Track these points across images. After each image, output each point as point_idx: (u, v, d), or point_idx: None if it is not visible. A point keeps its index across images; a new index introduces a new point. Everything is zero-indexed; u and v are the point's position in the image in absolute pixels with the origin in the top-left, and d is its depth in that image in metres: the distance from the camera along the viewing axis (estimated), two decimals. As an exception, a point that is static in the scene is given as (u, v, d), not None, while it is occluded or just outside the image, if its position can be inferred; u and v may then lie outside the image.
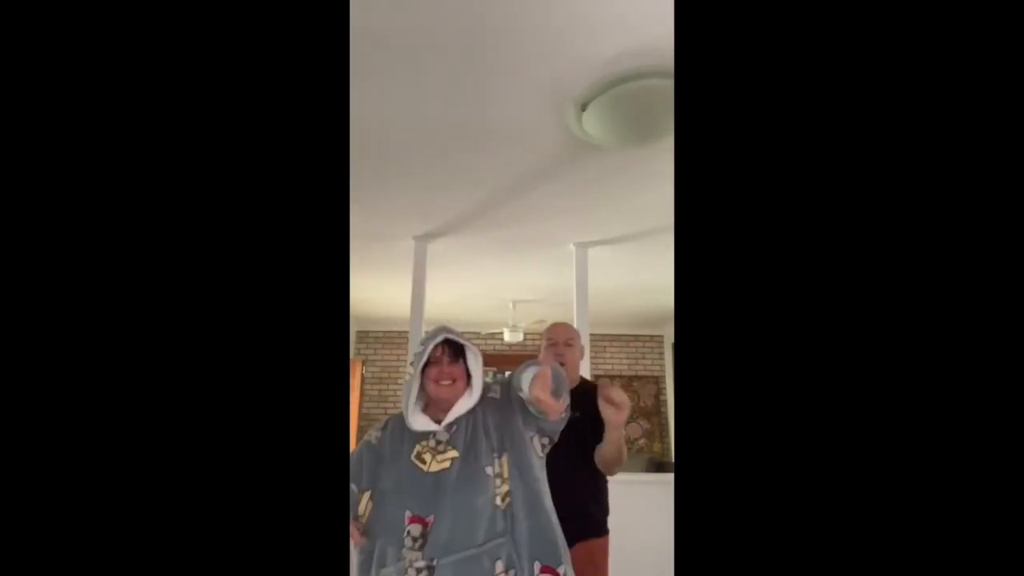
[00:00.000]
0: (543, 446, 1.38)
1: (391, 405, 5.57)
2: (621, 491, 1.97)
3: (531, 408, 1.34)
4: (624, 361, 5.90)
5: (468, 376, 1.42)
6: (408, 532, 1.24)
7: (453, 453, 1.33)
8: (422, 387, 1.39)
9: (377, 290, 4.44)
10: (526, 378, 1.33)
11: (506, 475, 1.32)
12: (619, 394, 1.52)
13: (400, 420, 1.41)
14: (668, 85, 1.77)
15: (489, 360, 4.41)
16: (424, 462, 1.33)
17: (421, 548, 1.23)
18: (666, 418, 5.69)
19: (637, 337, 5.93)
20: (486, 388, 1.44)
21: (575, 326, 3.15)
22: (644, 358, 5.94)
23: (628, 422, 1.91)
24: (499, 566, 1.23)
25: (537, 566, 1.24)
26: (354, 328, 5.73)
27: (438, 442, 1.35)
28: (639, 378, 5.83)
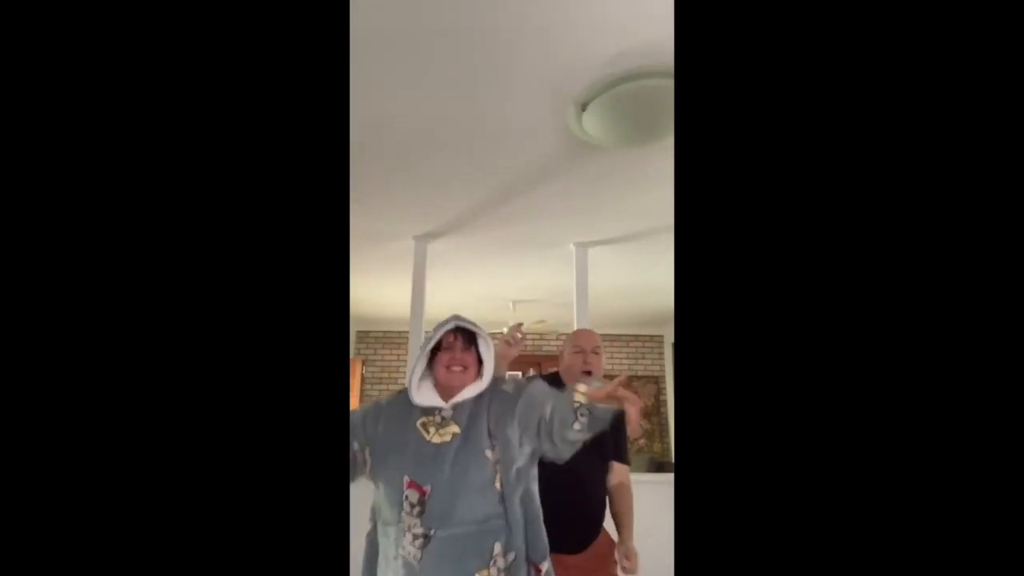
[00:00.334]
0: (532, 453, 1.35)
1: (391, 405, 5.56)
2: (621, 491, 1.97)
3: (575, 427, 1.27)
4: (624, 361, 5.90)
5: (480, 365, 1.42)
6: (406, 497, 1.25)
7: (455, 428, 1.33)
8: (432, 372, 1.40)
9: (377, 290, 4.43)
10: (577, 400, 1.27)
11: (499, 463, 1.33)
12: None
13: (405, 394, 1.41)
14: (668, 85, 1.77)
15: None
16: (427, 432, 1.34)
17: (419, 516, 1.24)
18: (666, 418, 5.69)
19: (637, 337, 5.93)
20: (500, 380, 1.45)
21: (575, 326, 3.15)
22: (644, 358, 5.94)
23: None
24: (497, 547, 1.24)
25: (524, 557, 1.27)
26: (354, 328, 5.73)
27: (443, 418, 1.36)
28: (639, 378, 5.83)
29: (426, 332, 1.47)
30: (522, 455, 1.33)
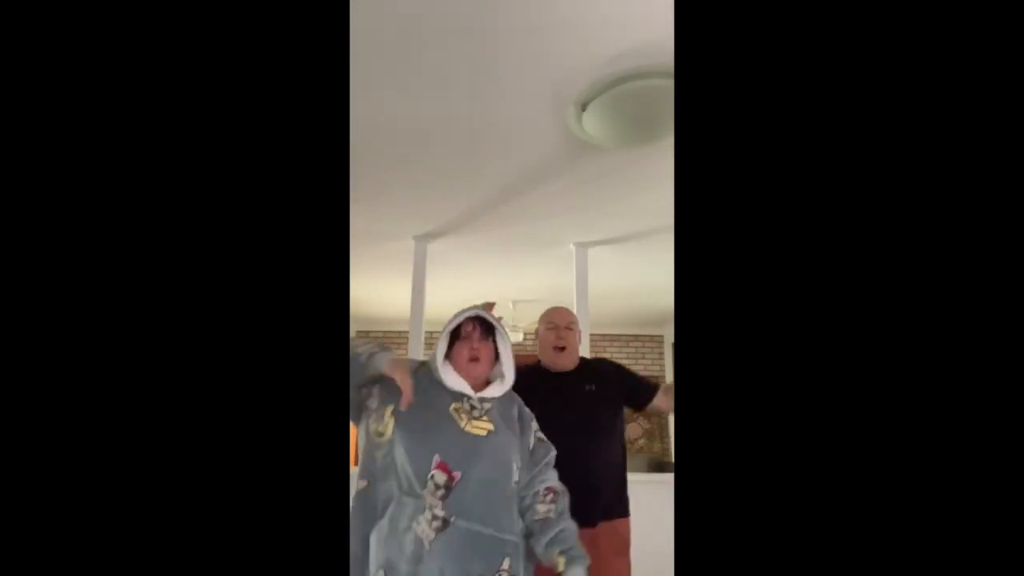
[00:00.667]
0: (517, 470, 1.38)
1: (391, 405, 5.56)
2: (621, 491, 1.97)
3: None
4: (624, 361, 5.86)
5: (496, 358, 1.43)
6: (432, 477, 1.23)
7: (488, 425, 1.33)
8: (450, 360, 1.39)
9: (377, 290, 4.43)
10: None
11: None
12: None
13: (430, 371, 1.39)
14: (668, 85, 1.77)
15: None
16: (460, 419, 1.32)
17: (442, 499, 1.22)
18: (666, 418, 5.68)
19: (637, 337, 5.92)
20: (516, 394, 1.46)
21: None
22: (644, 358, 5.94)
23: (628, 422, 1.96)
24: (506, 563, 1.24)
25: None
26: (354, 328, 5.73)
27: (472, 407, 1.34)
28: (639, 378, 5.82)
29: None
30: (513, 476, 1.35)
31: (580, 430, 1.70)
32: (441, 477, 1.24)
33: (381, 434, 1.30)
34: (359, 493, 1.30)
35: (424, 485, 1.23)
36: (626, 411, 1.97)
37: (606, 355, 5.88)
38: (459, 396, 1.35)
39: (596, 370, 1.94)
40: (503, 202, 2.79)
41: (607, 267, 3.67)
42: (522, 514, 1.35)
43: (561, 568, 1.30)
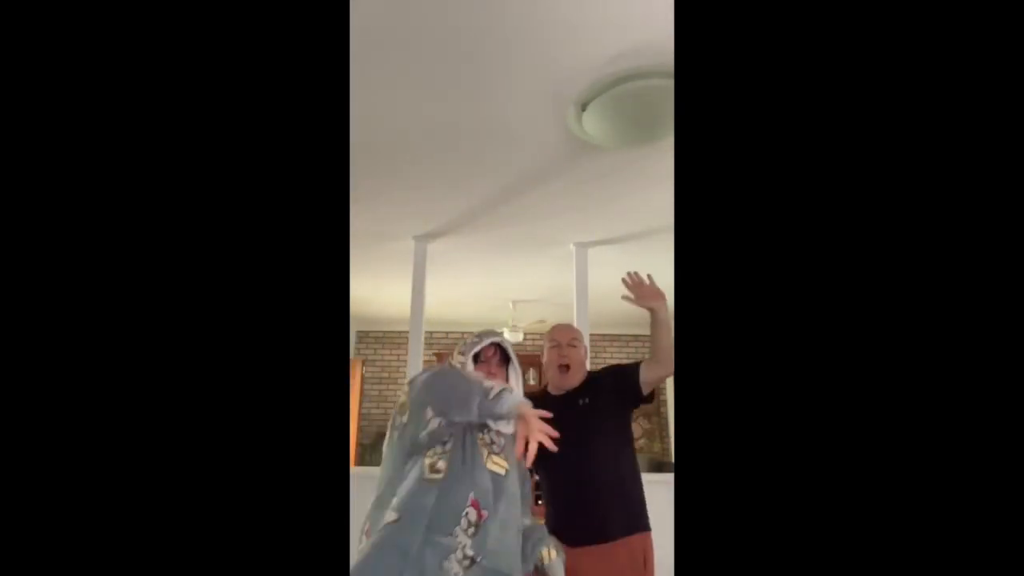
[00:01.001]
0: None
1: (391, 405, 5.56)
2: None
3: None
4: (624, 361, 5.89)
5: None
6: (466, 514, 1.20)
7: (505, 464, 1.30)
8: None
9: (377, 290, 4.43)
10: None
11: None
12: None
13: None
14: (668, 85, 1.77)
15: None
16: (483, 454, 1.29)
17: (472, 537, 1.20)
18: (666, 418, 5.68)
19: (637, 337, 5.92)
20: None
21: (575, 326, 3.15)
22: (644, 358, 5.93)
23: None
24: None
25: None
26: (354, 328, 5.73)
27: (491, 442, 1.31)
28: (639, 378, 5.81)
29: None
30: None
31: (575, 447, 1.60)
32: (474, 515, 1.21)
33: (439, 471, 1.24)
34: (388, 527, 1.20)
35: (458, 523, 1.19)
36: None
37: (606, 355, 5.89)
38: (483, 426, 1.28)
39: (593, 382, 1.88)
40: (503, 202, 2.79)
41: (607, 267, 3.67)
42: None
43: (551, 559, 1.32)
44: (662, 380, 1.81)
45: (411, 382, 1.35)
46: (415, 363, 3.17)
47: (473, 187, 2.63)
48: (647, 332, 1.89)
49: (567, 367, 1.85)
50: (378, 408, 5.59)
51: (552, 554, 1.35)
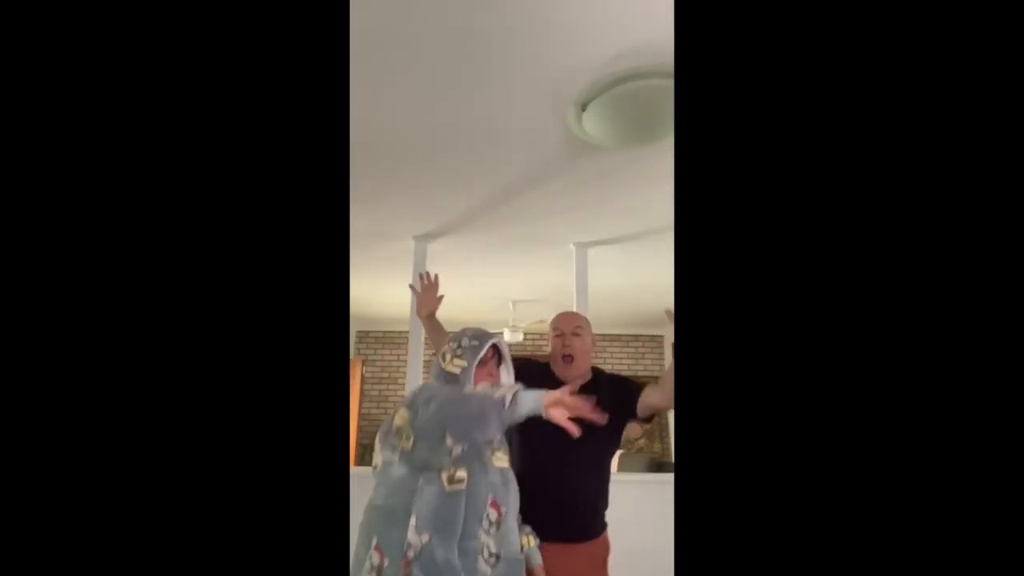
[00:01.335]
0: None
1: (391, 405, 5.57)
2: (621, 491, 1.96)
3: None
4: (624, 361, 5.89)
5: None
6: (487, 515, 1.24)
7: (505, 460, 1.35)
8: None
9: (377, 290, 4.43)
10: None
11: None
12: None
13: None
14: (668, 85, 1.77)
15: (489, 360, 4.40)
16: (489, 454, 1.32)
17: (494, 536, 1.24)
18: (666, 418, 5.68)
19: (637, 337, 5.92)
20: None
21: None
22: (644, 358, 5.94)
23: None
24: None
25: None
26: (354, 328, 5.73)
27: (492, 440, 1.32)
28: (639, 378, 5.81)
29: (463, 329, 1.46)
30: None
31: (564, 447, 1.58)
32: (494, 515, 1.25)
33: (461, 480, 1.24)
34: (428, 547, 1.18)
35: (480, 524, 1.23)
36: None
37: (606, 355, 5.90)
38: None
39: (596, 387, 1.78)
40: (503, 202, 2.79)
41: (607, 267, 3.67)
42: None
43: (529, 546, 1.39)
44: (660, 411, 1.78)
45: (409, 405, 1.32)
46: (415, 363, 3.17)
47: (473, 187, 2.63)
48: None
49: (571, 357, 1.80)
50: (378, 408, 5.59)
51: (531, 541, 1.42)
